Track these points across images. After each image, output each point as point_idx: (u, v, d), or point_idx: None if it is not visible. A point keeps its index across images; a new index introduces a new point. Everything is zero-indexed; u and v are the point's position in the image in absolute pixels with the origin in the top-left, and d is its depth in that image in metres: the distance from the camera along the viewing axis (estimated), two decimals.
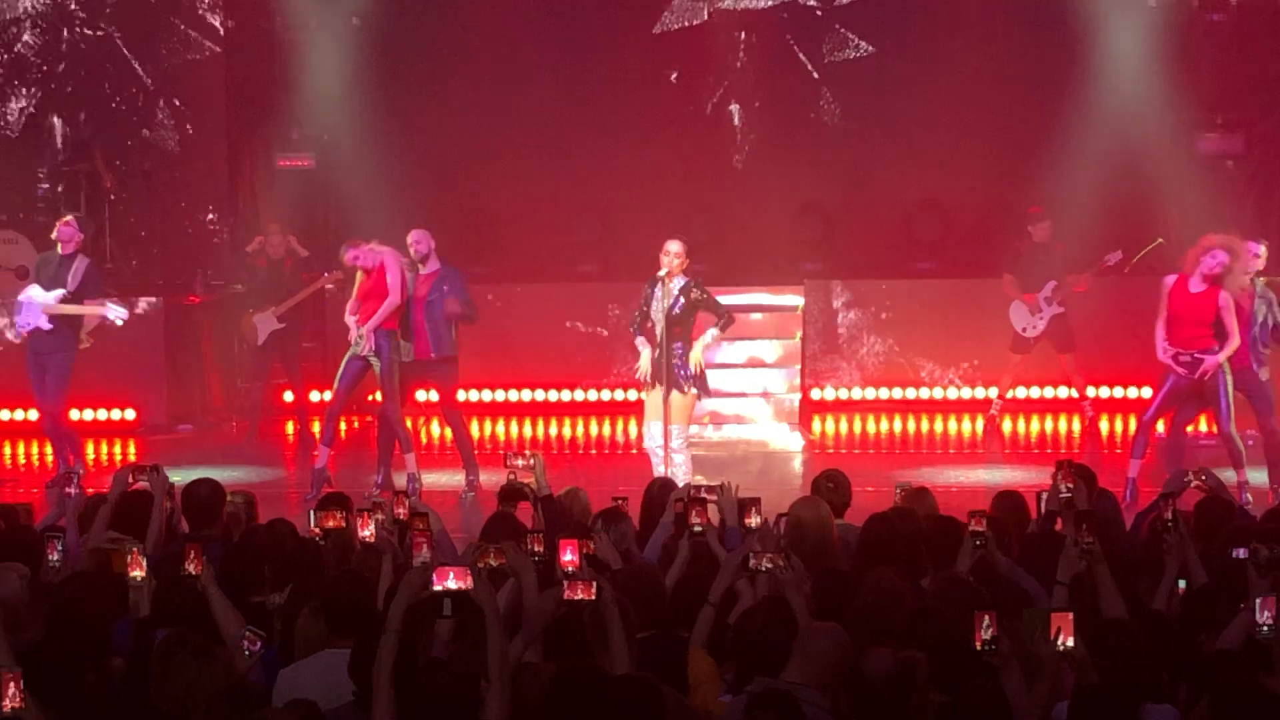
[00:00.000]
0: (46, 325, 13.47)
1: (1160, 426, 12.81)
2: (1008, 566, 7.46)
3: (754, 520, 7.66)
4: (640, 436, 12.78)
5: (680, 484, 9.82)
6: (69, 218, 13.89)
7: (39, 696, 5.91)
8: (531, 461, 8.85)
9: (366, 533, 7.53)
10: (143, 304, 16.38)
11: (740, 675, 6.37)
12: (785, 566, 6.78)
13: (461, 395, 14.63)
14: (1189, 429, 13.22)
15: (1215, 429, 12.67)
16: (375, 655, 5.92)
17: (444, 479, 13.78)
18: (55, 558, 7.45)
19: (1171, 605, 7.31)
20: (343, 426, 14.77)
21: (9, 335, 13.57)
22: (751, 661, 6.32)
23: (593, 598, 6.30)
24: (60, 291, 13.46)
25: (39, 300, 13.49)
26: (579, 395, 17.11)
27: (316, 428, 13.84)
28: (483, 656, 5.86)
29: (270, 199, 17.79)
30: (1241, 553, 7.08)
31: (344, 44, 17.64)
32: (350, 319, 13.20)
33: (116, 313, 13.66)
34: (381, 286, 13.09)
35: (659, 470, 11.86)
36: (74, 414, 14.34)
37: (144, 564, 7.03)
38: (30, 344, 13.60)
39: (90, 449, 14.29)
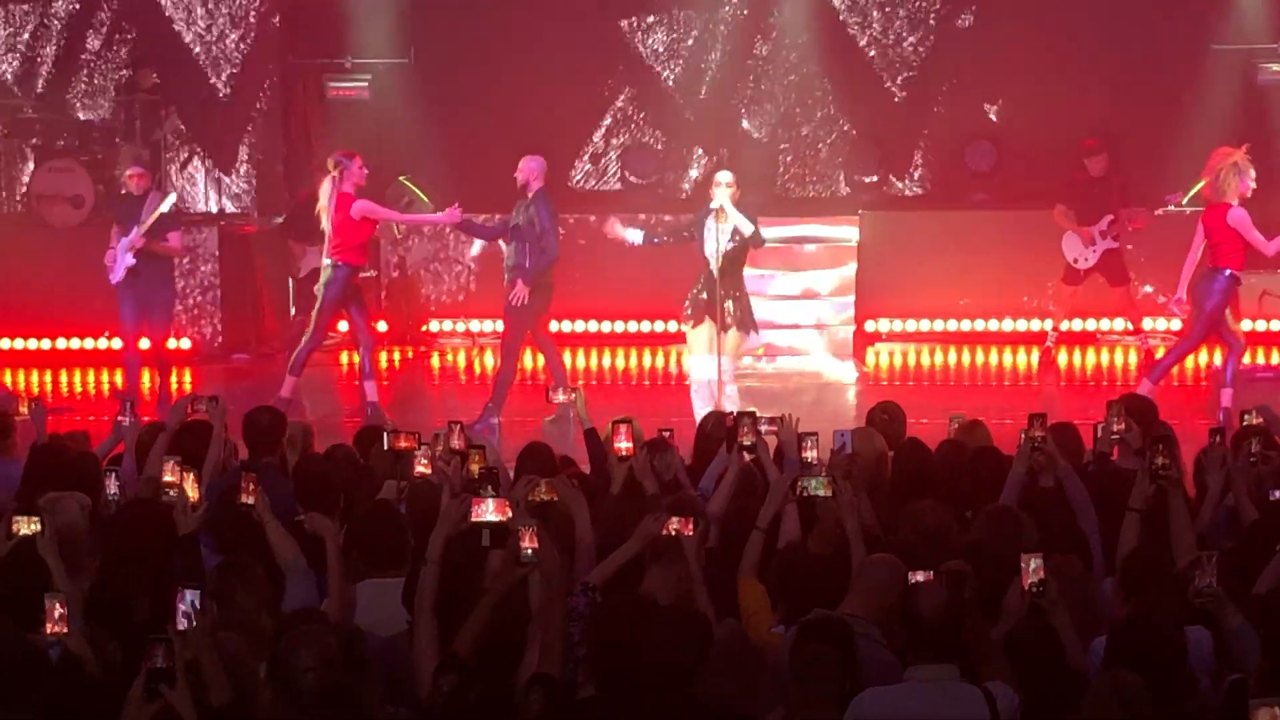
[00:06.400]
0: (133, 262, 13.75)
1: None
2: (1065, 472, 7.44)
3: (810, 454, 7.64)
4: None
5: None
6: (136, 168, 14.26)
7: (99, 624, 5.99)
8: (573, 396, 8.86)
9: (421, 466, 7.57)
10: (197, 234, 16.47)
11: (793, 608, 6.35)
12: (836, 492, 6.77)
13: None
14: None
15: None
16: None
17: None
18: (113, 492, 7.48)
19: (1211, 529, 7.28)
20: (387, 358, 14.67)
21: (111, 276, 13.91)
22: (804, 595, 6.30)
23: (691, 534, 6.30)
24: (135, 230, 13.77)
25: (124, 244, 13.80)
26: (631, 327, 17.04)
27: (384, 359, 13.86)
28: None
29: (323, 129, 17.75)
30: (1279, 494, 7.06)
31: None
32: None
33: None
34: None
35: (701, 406, 11.82)
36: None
37: (177, 471, 7.04)
38: (127, 285, 13.88)
39: (145, 377, 14.43)
